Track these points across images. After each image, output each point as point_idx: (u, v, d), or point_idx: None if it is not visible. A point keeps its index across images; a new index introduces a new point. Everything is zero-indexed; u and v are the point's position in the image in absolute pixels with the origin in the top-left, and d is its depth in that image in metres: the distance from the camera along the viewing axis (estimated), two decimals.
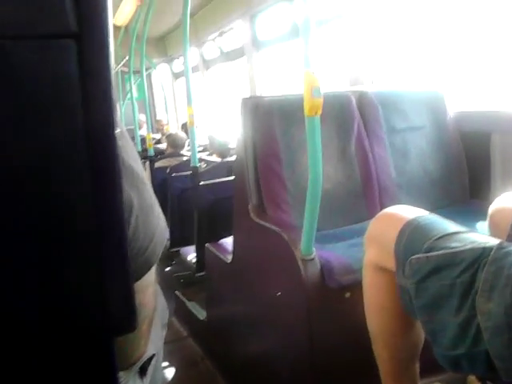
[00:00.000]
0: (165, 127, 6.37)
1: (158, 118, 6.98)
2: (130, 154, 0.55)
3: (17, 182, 0.38)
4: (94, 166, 0.40)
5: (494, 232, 1.32)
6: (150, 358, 0.87)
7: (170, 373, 2.30)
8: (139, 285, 0.57)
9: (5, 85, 0.36)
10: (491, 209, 1.36)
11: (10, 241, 0.38)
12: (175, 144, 4.35)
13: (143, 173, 0.58)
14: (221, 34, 5.02)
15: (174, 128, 6.22)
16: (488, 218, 1.37)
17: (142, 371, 0.85)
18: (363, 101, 2.18)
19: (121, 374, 0.77)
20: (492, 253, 0.92)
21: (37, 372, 0.40)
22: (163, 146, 4.97)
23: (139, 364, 0.83)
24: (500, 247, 0.92)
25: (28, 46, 0.36)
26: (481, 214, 1.64)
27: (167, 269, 3.77)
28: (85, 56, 0.38)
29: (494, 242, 0.97)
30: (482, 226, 1.67)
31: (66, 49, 0.38)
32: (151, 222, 0.56)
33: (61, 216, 0.39)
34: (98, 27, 0.39)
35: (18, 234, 0.38)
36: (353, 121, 2.08)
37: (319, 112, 1.35)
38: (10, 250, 0.38)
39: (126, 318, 0.44)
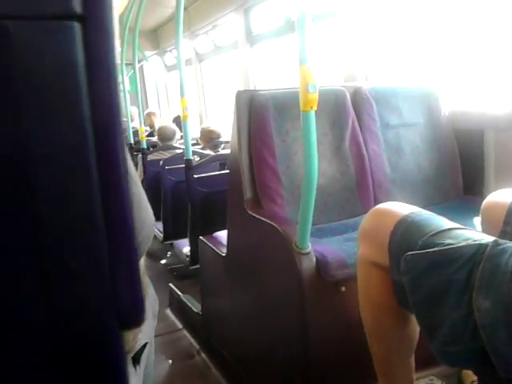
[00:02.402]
0: (154, 121, 6.27)
1: (147, 110, 6.65)
2: None
3: (18, 172, 0.36)
4: (100, 156, 0.38)
5: (486, 228, 1.33)
6: (143, 347, 0.88)
7: (164, 365, 2.30)
8: None
9: (6, 68, 0.35)
10: (484, 205, 1.37)
11: (15, 231, 0.37)
12: (165, 137, 4.33)
13: (131, 164, 0.57)
14: (214, 28, 5.00)
15: (165, 121, 6.19)
16: (481, 214, 1.39)
17: (135, 360, 0.86)
18: (358, 96, 2.19)
19: None
20: (488, 250, 0.93)
21: (47, 365, 0.40)
22: (156, 138, 4.96)
23: (132, 353, 0.83)
24: (495, 244, 0.93)
25: (31, 27, 0.35)
26: (474, 210, 1.65)
27: (163, 261, 3.77)
28: (90, 39, 0.37)
29: (488, 238, 0.98)
30: (476, 222, 1.68)
31: (71, 31, 0.36)
32: (139, 216, 0.56)
33: (67, 209, 0.38)
34: (103, 10, 0.37)
35: (23, 224, 0.37)
36: (347, 116, 2.09)
37: (314, 107, 1.36)
38: (15, 242, 0.37)
39: (134, 311, 0.44)
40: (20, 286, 0.38)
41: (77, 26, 0.36)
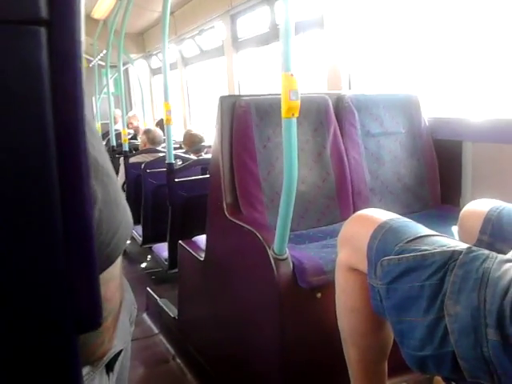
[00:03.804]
0: (136, 124, 6.24)
1: (129, 114, 6.50)
2: (95, 145, 0.54)
3: None
4: (62, 161, 0.38)
5: (463, 236, 1.35)
6: (117, 354, 0.86)
7: (139, 370, 2.27)
8: (101, 278, 0.56)
9: None
10: (462, 214, 1.39)
11: None
12: (155, 140, 4.29)
13: (109, 165, 0.56)
14: (200, 33, 5.02)
15: (149, 124, 6.17)
16: (458, 223, 1.41)
17: (109, 367, 0.85)
18: (340, 104, 2.20)
19: (87, 369, 0.76)
20: (461, 256, 0.94)
21: None
22: (139, 141, 4.92)
23: (106, 360, 0.82)
24: (469, 251, 0.94)
25: None
26: (451, 218, 1.67)
27: (142, 265, 3.75)
28: (55, 45, 0.36)
29: (463, 245, 0.99)
30: (453, 230, 1.70)
31: (36, 36, 0.35)
32: (115, 216, 0.55)
33: (26, 211, 0.38)
34: (70, 15, 0.37)
35: None
36: (329, 124, 2.10)
37: (296, 114, 1.36)
38: None
39: (91, 314, 0.43)
40: None
41: (42, 31, 0.36)
